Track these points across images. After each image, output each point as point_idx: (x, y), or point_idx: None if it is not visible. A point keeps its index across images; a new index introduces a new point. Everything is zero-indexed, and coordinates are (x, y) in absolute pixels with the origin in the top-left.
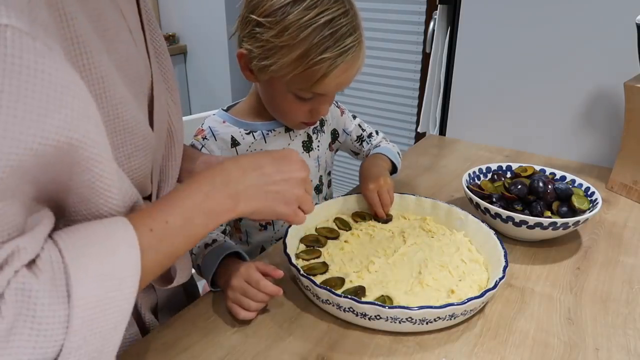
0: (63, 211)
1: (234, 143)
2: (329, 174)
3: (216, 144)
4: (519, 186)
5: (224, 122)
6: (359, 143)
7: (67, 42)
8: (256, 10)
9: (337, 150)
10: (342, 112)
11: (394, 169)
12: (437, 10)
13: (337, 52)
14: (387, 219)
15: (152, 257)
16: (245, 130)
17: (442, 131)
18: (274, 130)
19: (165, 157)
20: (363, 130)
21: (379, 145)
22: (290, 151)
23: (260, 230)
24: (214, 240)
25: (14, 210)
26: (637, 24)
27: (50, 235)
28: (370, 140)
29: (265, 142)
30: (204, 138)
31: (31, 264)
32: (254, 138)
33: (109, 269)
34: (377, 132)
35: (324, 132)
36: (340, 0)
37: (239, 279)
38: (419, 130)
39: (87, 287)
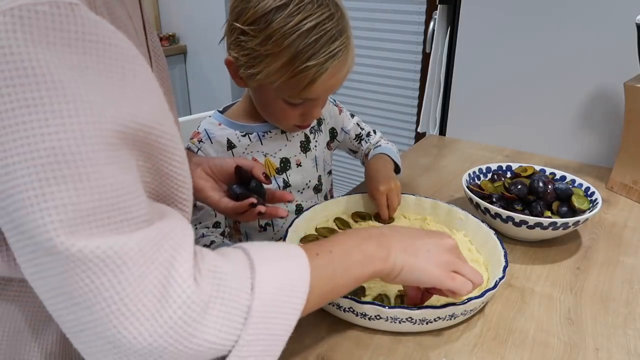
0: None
1: (230, 146)
2: (330, 173)
3: (212, 147)
4: (519, 186)
5: (219, 124)
6: (358, 142)
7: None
8: (240, 18)
9: (335, 148)
10: (340, 111)
11: (396, 170)
12: (437, 10)
13: (323, 57)
14: (389, 221)
15: (316, 279)
16: (241, 132)
17: (442, 131)
18: (270, 132)
19: None
20: (362, 129)
21: (379, 145)
22: (444, 234)
23: (260, 232)
24: (212, 242)
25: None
26: (637, 24)
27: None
28: (368, 139)
29: (262, 144)
30: (200, 141)
31: (218, 251)
32: (250, 140)
33: (286, 273)
34: (374, 131)
35: (321, 131)
36: (325, 4)
37: None
38: (419, 130)
39: (268, 282)
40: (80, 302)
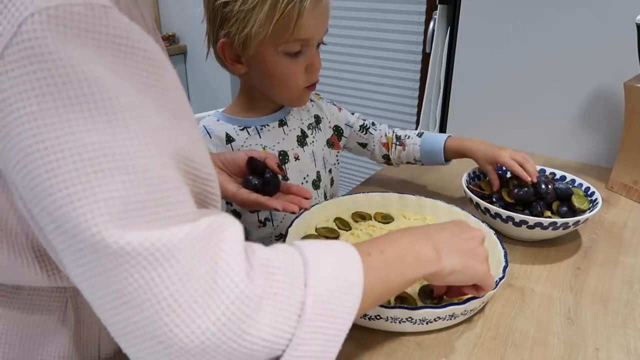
0: None
1: (229, 139)
2: (330, 171)
3: (211, 142)
4: (525, 188)
5: (217, 120)
6: (364, 132)
7: None
8: None
9: (344, 147)
10: (340, 109)
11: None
12: (437, 10)
13: None
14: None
15: (369, 280)
16: (239, 126)
17: (442, 131)
18: (267, 125)
19: None
20: (364, 120)
21: (418, 135)
22: (460, 219)
23: (260, 227)
24: None
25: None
26: (637, 24)
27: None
28: (375, 127)
29: (260, 137)
30: None
31: (269, 248)
32: (248, 134)
33: (341, 270)
34: (379, 124)
35: (320, 129)
36: None
37: None
38: (419, 130)
39: (323, 278)
40: (130, 300)
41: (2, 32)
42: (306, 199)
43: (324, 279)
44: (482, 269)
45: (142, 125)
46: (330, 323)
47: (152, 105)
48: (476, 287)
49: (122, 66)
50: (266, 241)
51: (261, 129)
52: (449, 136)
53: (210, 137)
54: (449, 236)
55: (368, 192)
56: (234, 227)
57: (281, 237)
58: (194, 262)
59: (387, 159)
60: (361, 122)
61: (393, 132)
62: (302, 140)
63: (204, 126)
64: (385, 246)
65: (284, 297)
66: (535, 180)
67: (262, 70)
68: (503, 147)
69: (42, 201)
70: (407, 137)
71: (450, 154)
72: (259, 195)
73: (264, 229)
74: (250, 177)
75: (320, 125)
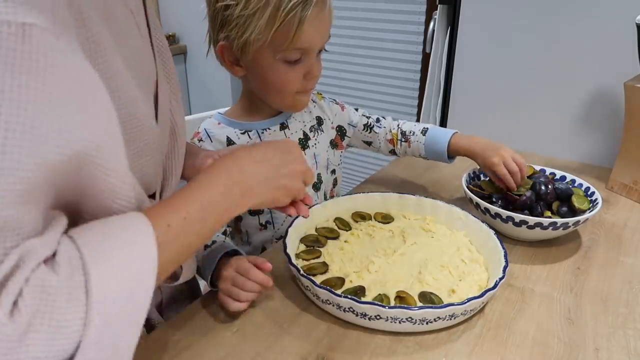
0: (78, 216)
1: (230, 143)
2: (334, 172)
3: (212, 145)
4: (524, 197)
5: (218, 123)
6: (368, 131)
7: (84, 41)
8: None
9: (347, 146)
10: (343, 108)
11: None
12: (437, 10)
13: None
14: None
15: (169, 253)
16: (240, 130)
17: None
18: (268, 128)
19: (168, 156)
20: (368, 117)
21: (423, 129)
22: (291, 143)
23: (261, 230)
24: (213, 242)
25: (33, 215)
26: (637, 24)
27: (67, 232)
28: (380, 124)
29: (261, 140)
30: (200, 140)
31: (49, 260)
32: (249, 137)
33: (128, 264)
34: (383, 117)
35: (322, 131)
36: None
37: (228, 270)
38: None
39: (106, 282)
40: None
41: None
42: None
43: (107, 280)
44: (284, 200)
45: (16, 155)
46: (124, 316)
47: (60, 127)
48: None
49: (41, 85)
50: (267, 244)
51: (262, 133)
52: (454, 133)
53: (212, 141)
54: (265, 171)
55: (368, 192)
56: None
57: (281, 240)
58: None
59: (393, 153)
60: (365, 121)
61: (398, 126)
62: (303, 143)
63: (204, 129)
64: (189, 208)
65: (63, 313)
66: (514, 187)
67: (260, 76)
68: (503, 147)
69: None
70: (412, 133)
71: (453, 153)
72: None
73: (265, 232)
74: None
75: (322, 126)
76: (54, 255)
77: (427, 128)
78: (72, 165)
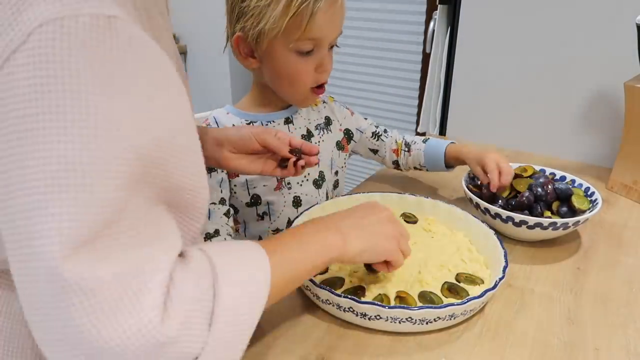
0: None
1: None
2: (337, 173)
3: None
4: (523, 198)
5: (227, 113)
6: (376, 139)
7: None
8: None
9: (352, 151)
10: (352, 113)
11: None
12: (437, 10)
13: None
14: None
15: (277, 275)
16: (245, 120)
17: (442, 131)
18: (273, 121)
19: None
20: (377, 127)
21: (419, 141)
22: (369, 200)
23: (258, 221)
24: (216, 231)
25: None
26: (637, 24)
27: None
28: (387, 134)
29: None
30: (208, 125)
31: (182, 260)
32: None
33: (247, 276)
34: (390, 129)
35: (330, 131)
36: None
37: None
38: (419, 130)
39: (230, 287)
40: (56, 318)
41: (13, 38)
42: (314, 154)
43: (231, 285)
44: (389, 246)
45: (114, 145)
46: (237, 326)
47: (147, 116)
48: (387, 264)
49: (121, 77)
50: (263, 235)
51: (266, 125)
52: (451, 142)
53: (218, 127)
54: (354, 220)
55: (368, 192)
56: (157, 268)
57: (278, 232)
58: (117, 302)
59: (396, 165)
60: (373, 129)
61: (403, 138)
62: (306, 139)
63: (213, 116)
64: (291, 239)
65: (194, 311)
66: (493, 189)
67: (273, 67)
68: (494, 151)
69: (3, 202)
70: (414, 142)
71: (450, 160)
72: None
73: (262, 223)
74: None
75: (330, 127)
76: (184, 255)
77: (429, 138)
78: (162, 153)
